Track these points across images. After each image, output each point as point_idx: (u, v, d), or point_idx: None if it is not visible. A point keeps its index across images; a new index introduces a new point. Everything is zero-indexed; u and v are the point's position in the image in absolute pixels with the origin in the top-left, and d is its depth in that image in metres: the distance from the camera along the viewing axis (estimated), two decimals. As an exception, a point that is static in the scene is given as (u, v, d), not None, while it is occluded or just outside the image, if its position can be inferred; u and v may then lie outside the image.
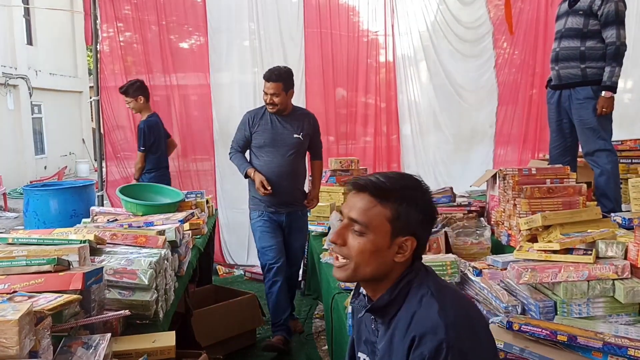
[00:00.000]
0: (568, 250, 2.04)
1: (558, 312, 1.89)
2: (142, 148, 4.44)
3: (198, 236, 3.18)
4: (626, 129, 4.69)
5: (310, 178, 3.86)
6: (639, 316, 1.90)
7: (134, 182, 4.49)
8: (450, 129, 5.56)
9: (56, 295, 1.47)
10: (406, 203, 1.23)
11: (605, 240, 2.08)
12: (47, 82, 15.91)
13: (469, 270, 2.26)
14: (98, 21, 4.93)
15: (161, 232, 2.37)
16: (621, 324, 1.84)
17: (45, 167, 15.60)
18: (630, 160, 3.72)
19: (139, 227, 2.64)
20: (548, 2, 5.18)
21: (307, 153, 3.74)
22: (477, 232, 2.97)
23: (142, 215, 3.00)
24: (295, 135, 3.54)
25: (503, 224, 3.07)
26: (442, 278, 2.03)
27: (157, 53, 5.15)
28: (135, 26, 5.09)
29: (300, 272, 4.31)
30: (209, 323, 3.31)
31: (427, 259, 2.28)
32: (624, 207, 3.25)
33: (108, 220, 2.88)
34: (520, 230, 2.74)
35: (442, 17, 5.36)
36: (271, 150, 3.51)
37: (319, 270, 3.36)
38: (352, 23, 5.43)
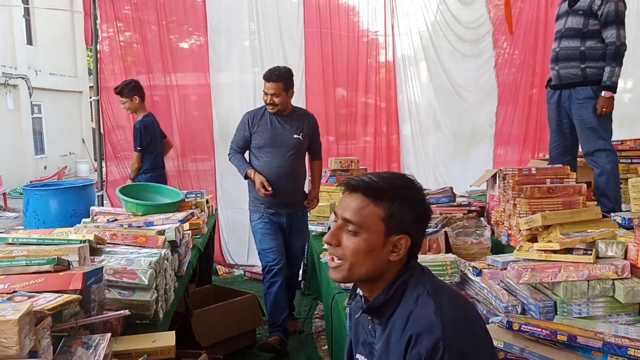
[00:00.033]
0: (568, 250, 2.04)
1: (558, 312, 1.89)
2: (138, 148, 4.44)
3: (198, 236, 3.19)
4: (626, 129, 4.69)
5: (310, 178, 3.86)
6: (639, 316, 1.90)
7: (129, 182, 4.48)
8: (450, 129, 5.56)
9: (56, 295, 1.47)
10: (399, 202, 1.23)
11: (605, 240, 2.09)
12: (47, 82, 15.91)
13: (468, 270, 2.26)
14: (98, 21, 4.93)
15: (161, 232, 2.37)
16: (621, 324, 1.84)
17: (45, 167, 15.60)
18: (630, 160, 3.72)
19: (139, 227, 2.65)
20: (548, 2, 5.17)
21: (307, 153, 3.74)
22: (477, 232, 2.98)
23: (142, 215, 3.00)
24: (295, 136, 3.54)
25: (503, 223, 3.07)
26: (442, 278, 2.06)
27: (157, 53, 5.15)
28: (135, 26, 5.09)
29: (300, 272, 4.32)
30: (209, 323, 3.31)
31: (427, 258, 2.29)
32: (623, 207, 3.25)
33: (108, 220, 2.88)
34: (520, 230, 2.74)
35: (442, 17, 5.35)
36: (271, 150, 3.51)
37: (319, 270, 3.36)
38: (352, 23, 5.42)
